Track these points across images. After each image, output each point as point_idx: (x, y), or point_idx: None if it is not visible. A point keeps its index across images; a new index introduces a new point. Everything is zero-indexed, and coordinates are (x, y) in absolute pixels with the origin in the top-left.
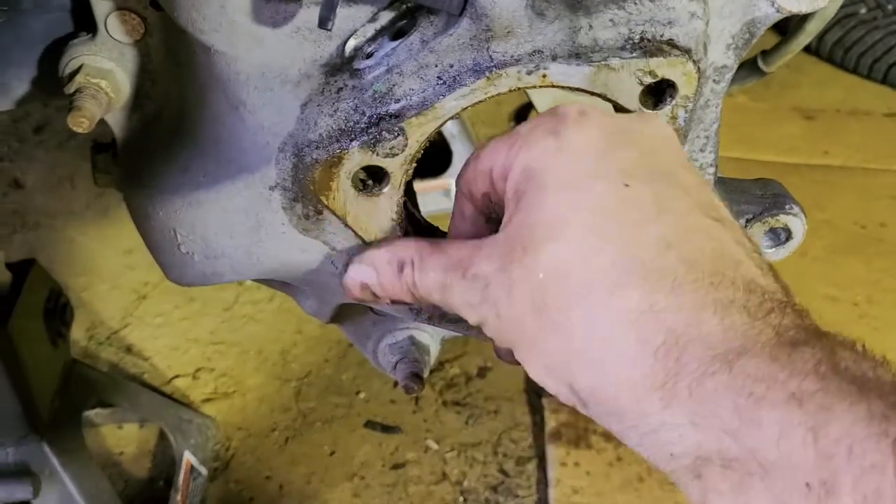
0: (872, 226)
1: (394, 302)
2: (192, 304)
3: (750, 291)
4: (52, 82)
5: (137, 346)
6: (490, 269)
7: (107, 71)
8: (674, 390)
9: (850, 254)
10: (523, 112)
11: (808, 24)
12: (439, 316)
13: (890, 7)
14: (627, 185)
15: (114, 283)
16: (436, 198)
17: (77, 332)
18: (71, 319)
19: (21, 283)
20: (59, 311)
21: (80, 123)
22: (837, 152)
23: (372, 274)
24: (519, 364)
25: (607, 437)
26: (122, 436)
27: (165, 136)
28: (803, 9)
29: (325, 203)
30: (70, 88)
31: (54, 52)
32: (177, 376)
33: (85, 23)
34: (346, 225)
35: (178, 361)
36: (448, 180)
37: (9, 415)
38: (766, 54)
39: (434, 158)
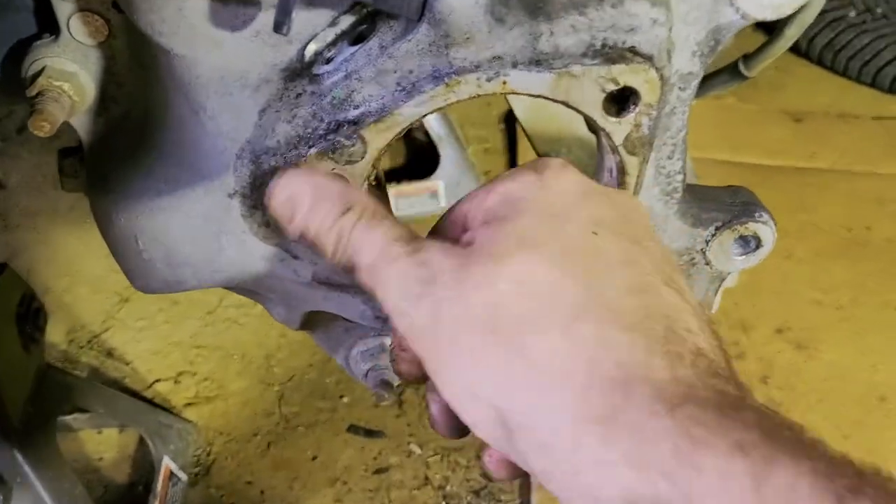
0: (858, 229)
1: (303, 241)
2: (174, 308)
3: (698, 355)
4: (16, 84)
5: (119, 349)
6: (446, 263)
7: (70, 73)
8: (614, 425)
9: (835, 257)
10: (512, 115)
11: (788, 29)
12: None
13: (879, 10)
14: (596, 234)
15: (95, 286)
16: (423, 200)
17: (57, 336)
18: (44, 324)
19: None
20: (31, 315)
21: (41, 127)
22: (825, 155)
23: (309, 194)
24: (416, 381)
25: None
26: (101, 441)
27: (131, 140)
28: (767, 16)
29: None
30: (32, 91)
31: (17, 54)
32: (158, 380)
33: (48, 24)
34: None
35: (160, 365)
36: (435, 182)
37: None
38: (747, 58)
39: (421, 161)
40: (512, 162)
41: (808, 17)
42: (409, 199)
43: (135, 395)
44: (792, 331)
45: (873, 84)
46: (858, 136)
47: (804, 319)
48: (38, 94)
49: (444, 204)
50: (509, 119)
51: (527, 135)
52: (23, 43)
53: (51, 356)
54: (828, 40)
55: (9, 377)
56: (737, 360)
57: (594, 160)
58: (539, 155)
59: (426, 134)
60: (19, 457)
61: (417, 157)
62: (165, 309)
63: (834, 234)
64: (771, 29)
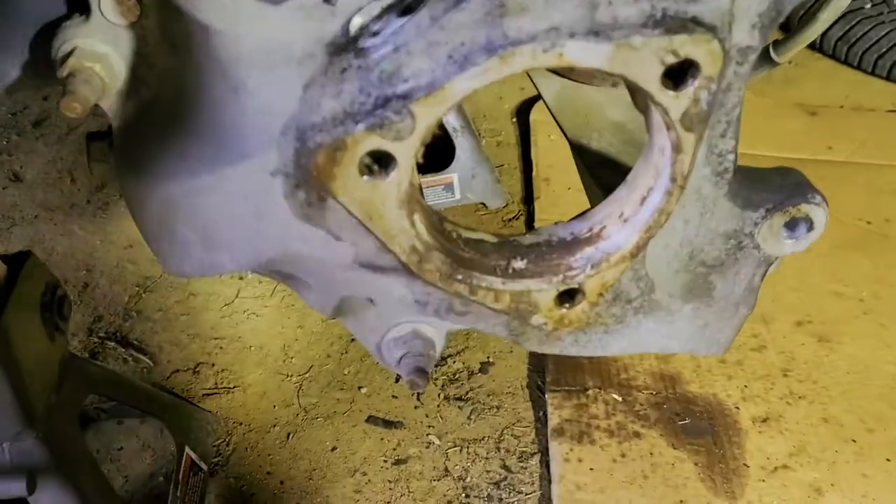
0: (877, 221)
1: None
2: (193, 299)
3: None
4: (46, 66)
5: (138, 340)
6: None
7: (101, 54)
8: None
9: (855, 249)
10: (525, 108)
11: (822, 13)
12: (446, 308)
13: (895, 2)
14: None
15: (114, 278)
16: (437, 192)
17: (77, 327)
18: (69, 313)
19: (16, 276)
20: (56, 304)
21: (73, 108)
22: (841, 148)
23: None
24: None
25: (611, 432)
26: (121, 431)
27: (162, 122)
28: None
29: (329, 189)
30: (63, 72)
31: (47, 35)
32: (177, 371)
33: (78, 4)
34: (350, 213)
35: (179, 356)
36: (451, 175)
37: (4, 411)
38: (777, 44)
39: (437, 153)
40: (524, 155)
41: (843, 2)
42: (425, 191)
43: (155, 385)
44: (813, 324)
45: (888, 76)
46: (874, 129)
47: (825, 312)
48: (69, 75)
49: (458, 196)
50: (521, 112)
51: (556, 121)
52: (53, 24)
53: (73, 347)
54: (842, 33)
55: (34, 366)
56: (757, 352)
57: (627, 146)
58: (569, 141)
59: (441, 126)
60: (44, 447)
61: (433, 150)
62: (183, 301)
63: (853, 227)
64: (787, 23)
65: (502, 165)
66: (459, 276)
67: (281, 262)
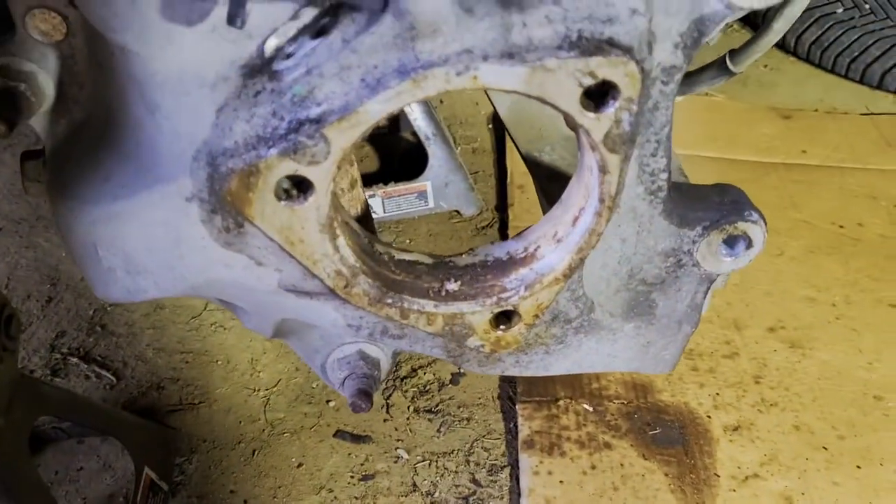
0: (850, 226)
1: None
2: (159, 313)
3: None
4: None
5: (102, 356)
6: None
7: (27, 73)
8: None
9: (827, 254)
10: None
11: (776, 23)
12: (380, 331)
13: (867, 6)
14: None
15: (79, 292)
16: (410, 201)
17: (39, 343)
18: (17, 332)
19: None
20: (3, 324)
21: None
22: (815, 152)
23: None
24: None
25: (581, 444)
26: (81, 450)
27: (91, 143)
28: (755, 5)
29: (245, 215)
30: None
31: None
32: (142, 387)
33: (3, 22)
34: (270, 238)
35: (144, 371)
36: (424, 183)
37: None
38: (734, 53)
39: (410, 161)
40: (500, 162)
41: (796, 10)
42: (397, 199)
43: (117, 403)
44: (785, 329)
45: (862, 80)
46: (848, 133)
47: (797, 318)
48: None
49: (432, 204)
50: (498, 119)
51: (510, 134)
52: None
53: (33, 363)
54: (816, 37)
55: None
56: (730, 359)
57: (576, 159)
58: (521, 154)
59: (414, 134)
60: None
61: (405, 158)
62: (150, 314)
63: (826, 231)
64: (756, 25)
65: (477, 172)
66: (389, 300)
67: (207, 287)
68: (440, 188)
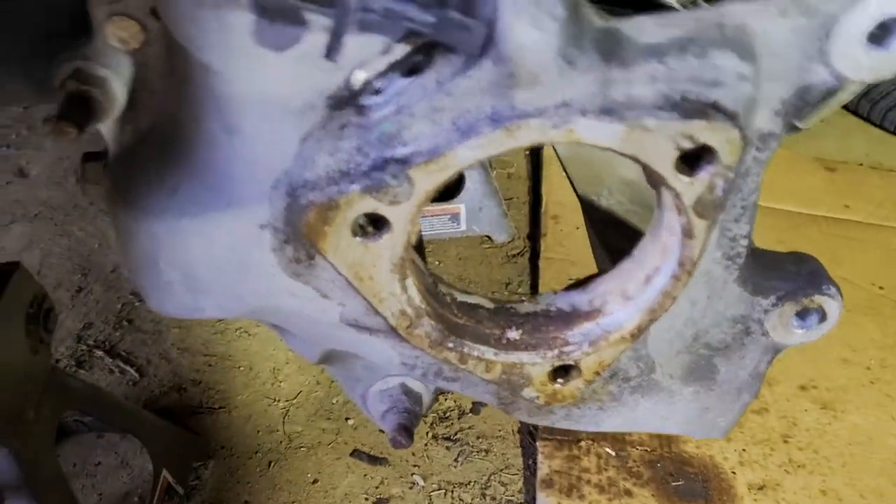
0: (890, 287)
1: None
2: None
3: None
4: (45, 84)
5: (127, 351)
6: None
7: (101, 78)
8: None
9: (865, 314)
10: None
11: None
12: (434, 372)
13: None
14: None
15: (109, 284)
16: (443, 222)
17: (66, 333)
18: (54, 326)
19: (2, 288)
20: (42, 316)
21: (66, 133)
22: (858, 207)
23: None
24: None
25: (601, 488)
26: (101, 445)
27: (158, 153)
28: (864, 78)
29: (319, 248)
30: (60, 94)
31: (49, 54)
32: (164, 387)
33: (82, 25)
34: (340, 273)
35: (167, 371)
36: (458, 206)
37: None
38: None
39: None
40: (534, 189)
41: None
42: (430, 219)
43: (139, 401)
44: (818, 389)
45: None
46: (893, 190)
47: (831, 378)
48: (67, 97)
49: (463, 227)
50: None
51: (566, 173)
52: (53, 44)
53: (59, 353)
54: (866, 90)
55: (13, 381)
56: (758, 415)
57: (635, 206)
58: (578, 196)
59: None
60: (15, 463)
61: None
62: None
63: (865, 291)
64: None
65: (511, 199)
66: (450, 344)
67: (265, 312)
68: (473, 212)
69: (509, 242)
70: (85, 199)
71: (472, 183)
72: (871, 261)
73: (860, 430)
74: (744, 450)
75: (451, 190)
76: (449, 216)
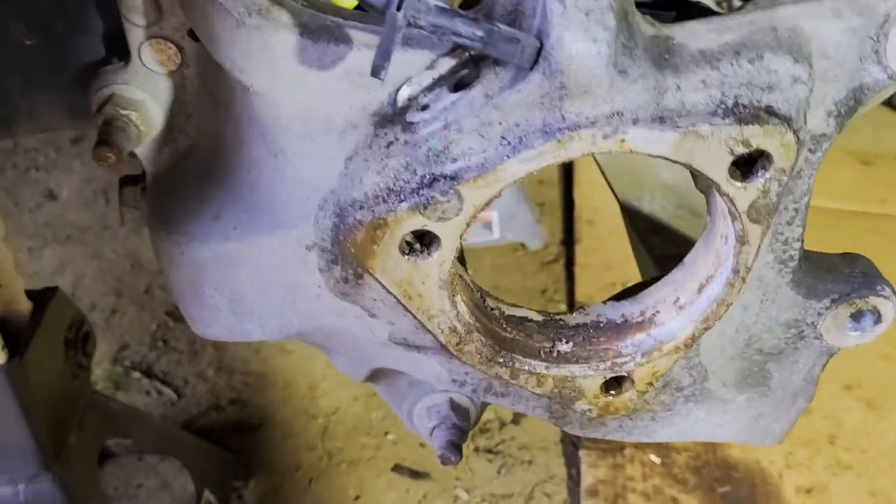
0: None
1: None
2: None
3: None
4: (82, 109)
5: (163, 372)
6: None
7: (138, 102)
8: None
9: None
10: None
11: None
12: (484, 388)
13: None
14: None
15: (143, 304)
16: (476, 230)
17: (102, 356)
18: (93, 350)
19: (42, 314)
20: (80, 341)
21: (106, 158)
22: (895, 201)
23: None
24: None
25: (647, 496)
26: (141, 468)
27: (198, 177)
28: None
29: (367, 267)
30: (98, 119)
31: (86, 79)
32: (202, 406)
33: (118, 50)
34: (388, 291)
35: (204, 391)
36: (490, 213)
37: (22, 451)
38: None
39: None
40: (567, 194)
41: None
42: None
43: (177, 421)
44: (862, 388)
45: None
46: None
47: (875, 377)
48: (104, 122)
49: (497, 235)
50: None
51: (606, 179)
52: (90, 69)
53: (96, 376)
54: None
55: (54, 407)
56: (804, 416)
57: (680, 210)
58: (619, 202)
59: None
60: (59, 489)
61: None
62: None
63: None
64: None
65: (543, 204)
66: (501, 360)
67: (313, 333)
68: (506, 219)
69: (543, 249)
70: (115, 220)
71: (504, 191)
72: None
73: None
74: (790, 452)
75: None
76: (481, 224)
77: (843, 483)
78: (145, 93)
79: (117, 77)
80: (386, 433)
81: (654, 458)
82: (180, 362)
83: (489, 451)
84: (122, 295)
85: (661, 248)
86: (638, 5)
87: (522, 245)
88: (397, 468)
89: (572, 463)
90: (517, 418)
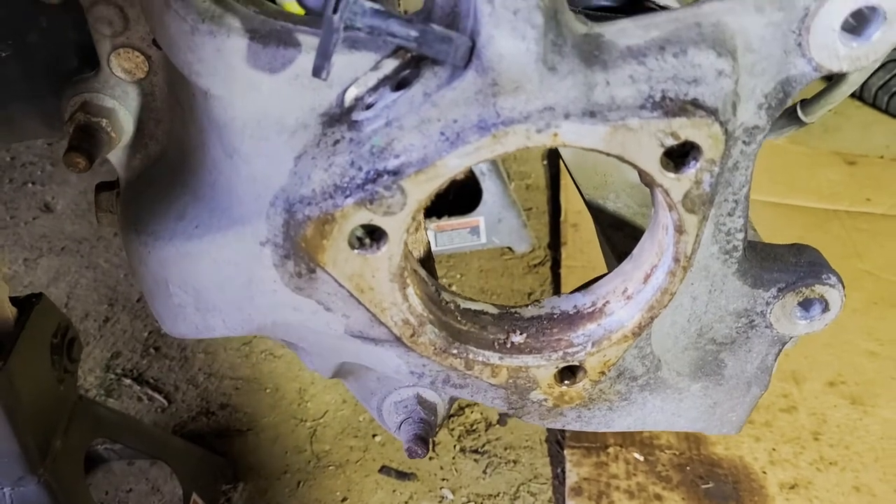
0: None
1: None
2: (212, 339)
3: None
4: (57, 118)
5: (154, 378)
6: None
7: (108, 109)
8: None
9: (891, 306)
10: (556, 151)
11: (852, 75)
12: (443, 380)
13: None
14: None
15: (136, 313)
16: (463, 235)
17: (95, 363)
18: (79, 355)
19: (26, 320)
20: (66, 347)
21: (76, 163)
22: (880, 200)
23: None
24: None
25: (631, 494)
26: (131, 472)
27: (166, 180)
28: (844, 68)
29: (318, 261)
30: (69, 126)
31: (59, 88)
32: (192, 412)
33: (89, 59)
34: (341, 285)
35: (195, 396)
36: (477, 218)
37: (7, 455)
38: (805, 104)
39: (464, 195)
40: (553, 199)
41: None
42: (450, 233)
43: (167, 426)
44: (846, 384)
45: None
46: None
47: (859, 372)
48: (76, 129)
49: (484, 240)
50: (552, 155)
51: (573, 179)
52: (63, 78)
53: (88, 383)
54: (883, 82)
55: (40, 411)
56: (787, 413)
57: (644, 209)
58: (585, 201)
59: (469, 169)
60: (46, 492)
61: (459, 192)
62: (204, 339)
63: (890, 283)
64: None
65: (531, 209)
66: (455, 350)
67: (273, 328)
68: (493, 224)
69: (530, 252)
70: (109, 230)
71: (491, 195)
72: (895, 253)
73: (891, 423)
74: (774, 449)
75: (469, 203)
76: (468, 229)
77: (828, 478)
78: (115, 100)
79: (88, 86)
80: (374, 435)
81: (637, 455)
82: (171, 368)
83: (475, 451)
84: (115, 304)
85: (622, 244)
86: (601, 9)
87: (510, 249)
88: (384, 469)
89: (557, 462)
90: (503, 419)
